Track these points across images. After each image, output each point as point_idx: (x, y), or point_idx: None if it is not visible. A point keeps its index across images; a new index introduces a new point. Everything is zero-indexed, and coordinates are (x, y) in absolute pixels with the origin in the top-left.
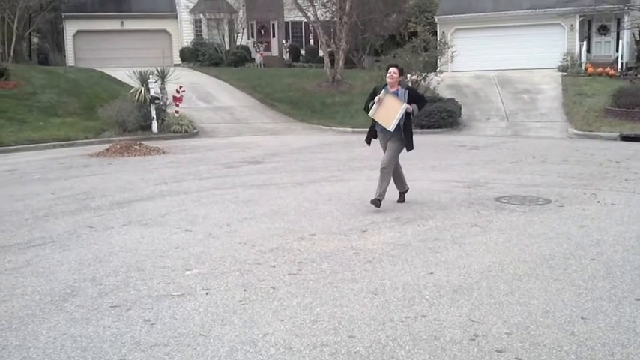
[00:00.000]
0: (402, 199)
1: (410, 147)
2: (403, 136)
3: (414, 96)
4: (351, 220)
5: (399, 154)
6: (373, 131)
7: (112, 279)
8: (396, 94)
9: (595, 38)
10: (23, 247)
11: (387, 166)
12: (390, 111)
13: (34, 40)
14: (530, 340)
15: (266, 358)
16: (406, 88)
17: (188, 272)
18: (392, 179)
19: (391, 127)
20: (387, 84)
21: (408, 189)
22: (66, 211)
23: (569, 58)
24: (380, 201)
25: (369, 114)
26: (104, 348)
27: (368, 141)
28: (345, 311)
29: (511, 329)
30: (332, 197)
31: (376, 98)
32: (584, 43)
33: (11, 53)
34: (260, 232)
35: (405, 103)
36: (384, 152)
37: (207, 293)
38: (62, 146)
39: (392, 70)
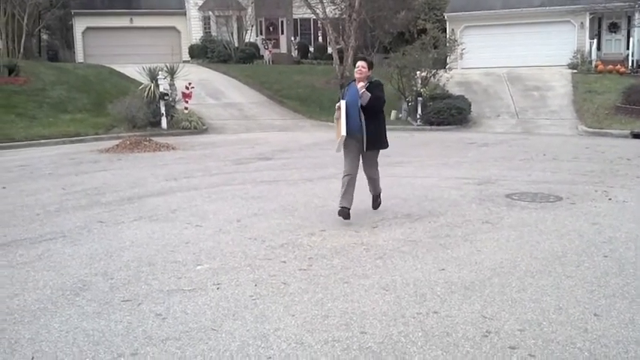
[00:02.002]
0: (344, 215)
1: (379, 146)
2: (365, 133)
3: (374, 88)
4: (362, 216)
5: (377, 156)
6: None
7: (123, 273)
8: (355, 88)
9: (605, 36)
10: (34, 241)
11: (374, 176)
12: (339, 121)
13: (44, 36)
14: (543, 337)
15: (278, 353)
16: (369, 82)
17: (199, 267)
18: (346, 187)
19: (342, 132)
20: (354, 80)
21: (379, 199)
22: (77, 206)
23: (579, 56)
24: (378, 198)
25: (341, 134)
26: (116, 342)
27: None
28: (357, 307)
29: (524, 326)
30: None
31: (336, 114)
32: (595, 40)
33: (21, 50)
34: (270, 228)
35: (343, 101)
36: (348, 158)
37: (218, 288)
38: (72, 142)
39: (360, 64)
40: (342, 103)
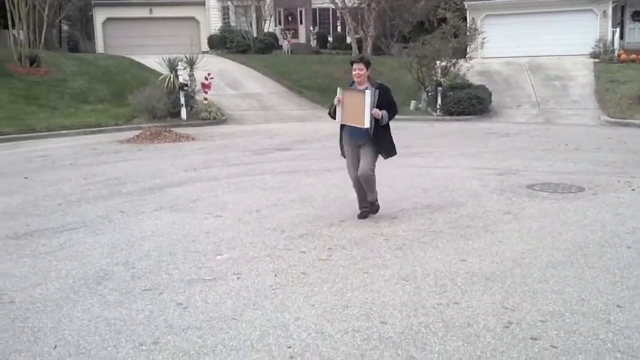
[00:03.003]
0: (364, 215)
1: (390, 152)
2: (373, 140)
3: (385, 99)
4: (381, 206)
5: (377, 157)
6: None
7: (144, 263)
8: (362, 91)
9: (629, 24)
10: (56, 231)
11: (369, 173)
12: (355, 106)
13: (64, 27)
14: (566, 328)
15: (298, 342)
16: (376, 87)
17: (219, 257)
18: (359, 194)
19: (366, 123)
20: (353, 82)
21: (375, 205)
22: (98, 196)
23: (601, 45)
24: (373, 205)
25: (336, 120)
26: (137, 331)
27: (343, 154)
28: (377, 297)
29: (546, 317)
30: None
31: (335, 100)
32: (617, 29)
33: (42, 41)
34: (289, 218)
35: (368, 90)
36: (351, 161)
37: (238, 278)
38: (93, 132)
39: (356, 66)
40: (368, 93)
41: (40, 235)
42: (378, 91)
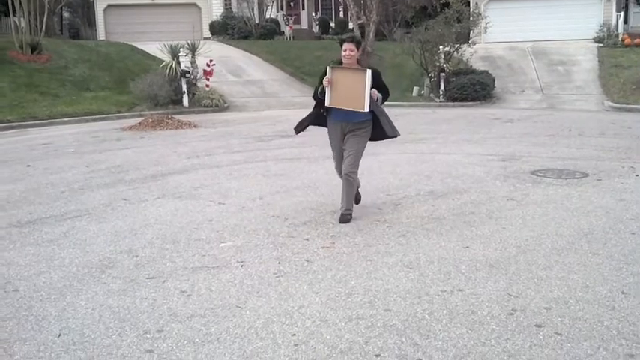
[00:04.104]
0: (345, 219)
1: (393, 132)
2: (377, 120)
3: (380, 82)
4: (384, 193)
5: (363, 150)
6: (313, 117)
7: (148, 251)
8: None
9: (633, 9)
10: (60, 219)
11: (352, 171)
12: (352, 87)
13: (65, 14)
14: (570, 315)
15: (302, 330)
16: (369, 69)
17: (222, 245)
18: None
19: (366, 107)
20: (340, 62)
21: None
22: (101, 184)
23: (605, 29)
24: (350, 214)
25: (326, 103)
26: (142, 319)
27: (298, 129)
28: (380, 284)
29: (550, 304)
30: (363, 171)
31: (324, 81)
32: (622, 13)
33: (43, 28)
34: (293, 206)
35: (369, 69)
36: (337, 151)
37: (241, 265)
38: (95, 120)
39: (346, 46)
40: (369, 73)
41: (43, 223)
42: (370, 71)
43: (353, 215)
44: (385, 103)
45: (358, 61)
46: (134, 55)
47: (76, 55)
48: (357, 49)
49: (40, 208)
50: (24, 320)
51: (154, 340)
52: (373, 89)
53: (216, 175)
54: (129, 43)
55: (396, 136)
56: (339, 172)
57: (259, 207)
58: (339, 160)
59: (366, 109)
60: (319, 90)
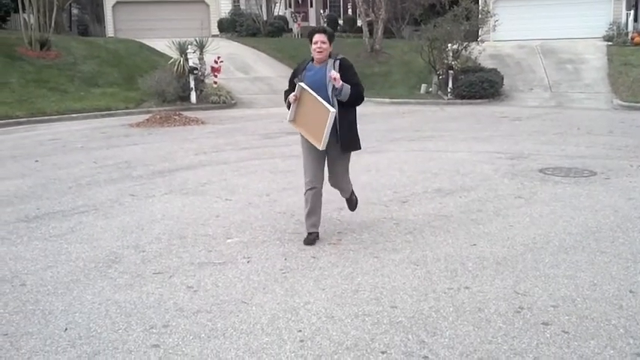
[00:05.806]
0: (310, 241)
1: (354, 146)
2: (339, 134)
3: (348, 74)
4: (391, 190)
5: (349, 160)
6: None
7: (155, 246)
8: (322, 69)
9: None
10: (67, 214)
11: (345, 186)
12: (314, 119)
13: (74, 11)
14: (577, 313)
15: (308, 326)
16: (337, 59)
17: (229, 240)
18: (310, 205)
19: (321, 146)
20: (312, 59)
21: (353, 198)
22: (108, 180)
23: (614, 28)
24: (351, 201)
25: (287, 119)
26: (148, 314)
27: (288, 104)
28: (387, 282)
29: (557, 302)
30: (371, 168)
31: (291, 97)
32: (632, 11)
33: (52, 24)
34: (299, 202)
35: (334, 110)
36: (311, 161)
37: (248, 261)
38: (103, 116)
39: (317, 38)
40: (331, 115)
41: (50, 218)
42: (338, 61)
43: (359, 212)
44: (393, 100)
45: (330, 54)
46: (142, 52)
47: (85, 52)
48: (330, 42)
49: (47, 203)
50: (30, 314)
51: (160, 335)
52: (333, 72)
53: (223, 171)
54: (137, 40)
55: (347, 151)
56: (309, 181)
57: (266, 203)
58: (309, 165)
59: (321, 148)
60: (286, 102)
